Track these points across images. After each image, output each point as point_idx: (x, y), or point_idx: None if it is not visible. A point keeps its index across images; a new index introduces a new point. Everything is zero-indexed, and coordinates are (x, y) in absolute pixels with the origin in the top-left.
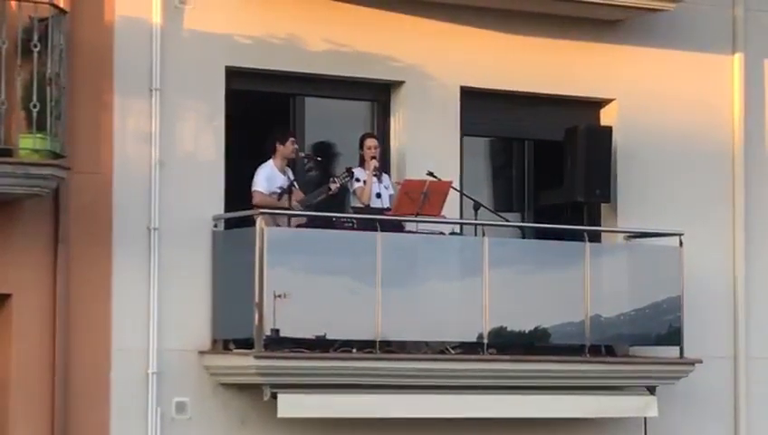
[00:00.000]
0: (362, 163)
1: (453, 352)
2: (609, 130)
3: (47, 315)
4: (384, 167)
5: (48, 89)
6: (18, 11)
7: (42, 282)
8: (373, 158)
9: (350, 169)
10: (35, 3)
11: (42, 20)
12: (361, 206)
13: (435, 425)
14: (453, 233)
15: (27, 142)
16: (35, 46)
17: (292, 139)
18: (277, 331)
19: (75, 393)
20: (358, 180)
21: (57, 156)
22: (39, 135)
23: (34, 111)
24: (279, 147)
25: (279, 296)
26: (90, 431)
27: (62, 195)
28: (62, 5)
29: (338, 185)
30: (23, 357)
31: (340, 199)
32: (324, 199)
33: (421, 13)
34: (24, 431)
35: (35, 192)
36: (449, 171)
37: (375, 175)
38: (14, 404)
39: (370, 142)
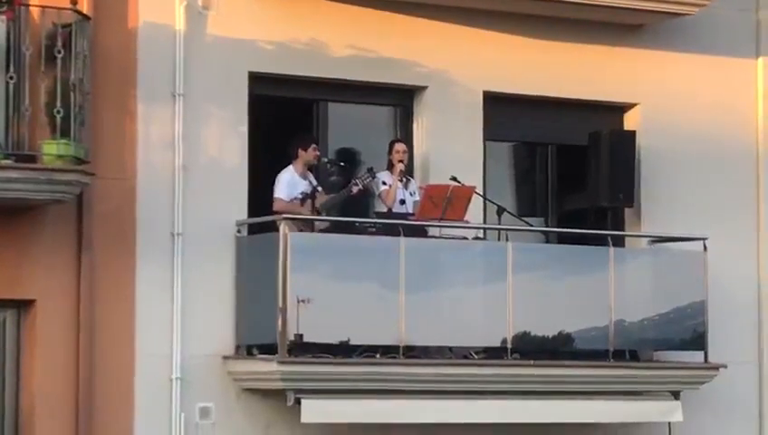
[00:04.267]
0: (389, 168)
1: (476, 357)
2: (632, 134)
3: (71, 321)
4: (407, 172)
5: (72, 95)
6: (41, 17)
7: (66, 288)
8: (400, 162)
9: (372, 169)
10: (59, 9)
11: (65, 26)
12: (385, 210)
13: (458, 430)
14: (476, 238)
15: (51, 148)
16: (59, 52)
17: (314, 145)
18: (301, 336)
19: (99, 399)
20: (384, 183)
21: (81, 162)
22: (63, 141)
23: (58, 116)
24: (301, 153)
25: (302, 302)
26: None
27: (86, 201)
28: (85, 12)
29: (360, 187)
30: (47, 363)
31: (363, 203)
32: (346, 201)
33: (444, 17)
34: None
35: (59, 198)
36: (473, 176)
37: (400, 180)
38: (38, 409)
39: (399, 147)
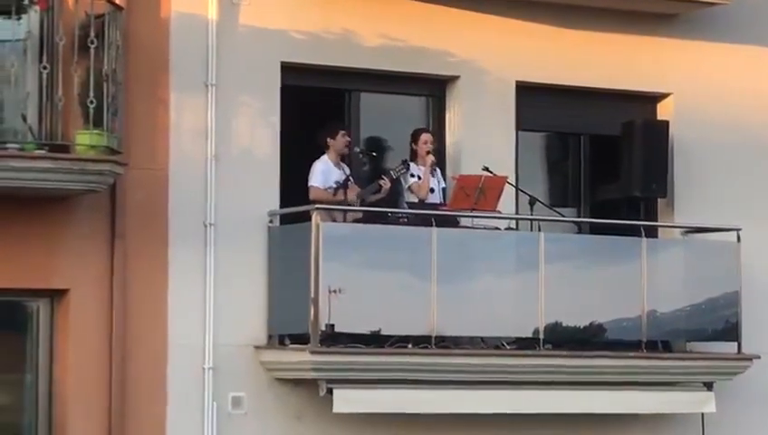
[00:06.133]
0: (414, 158)
1: (508, 347)
2: (665, 124)
3: (104, 311)
4: (439, 162)
5: (105, 85)
6: (75, 7)
7: (99, 277)
8: (429, 153)
9: (406, 161)
10: None
11: (98, 16)
12: (416, 201)
13: (490, 420)
14: (508, 228)
15: (84, 138)
16: (92, 42)
17: (341, 132)
18: (332, 326)
19: (132, 388)
20: (413, 175)
21: (113, 152)
22: (96, 131)
23: (91, 107)
24: (330, 141)
25: (334, 292)
26: (146, 426)
27: (119, 191)
28: (118, 2)
29: (388, 182)
30: (80, 352)
31: (394, 193)
32: (383, 197)
33: (476, 7)
34: (82, 425)
35: (92, 188)
36: (505, 166)
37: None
38: (71, 398)
39: (426, 137)
